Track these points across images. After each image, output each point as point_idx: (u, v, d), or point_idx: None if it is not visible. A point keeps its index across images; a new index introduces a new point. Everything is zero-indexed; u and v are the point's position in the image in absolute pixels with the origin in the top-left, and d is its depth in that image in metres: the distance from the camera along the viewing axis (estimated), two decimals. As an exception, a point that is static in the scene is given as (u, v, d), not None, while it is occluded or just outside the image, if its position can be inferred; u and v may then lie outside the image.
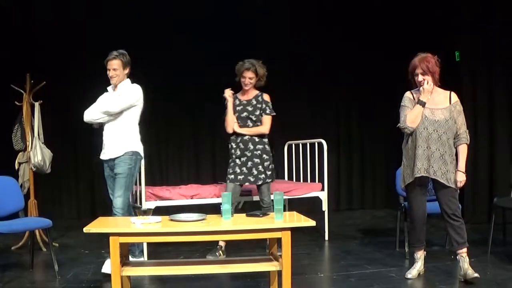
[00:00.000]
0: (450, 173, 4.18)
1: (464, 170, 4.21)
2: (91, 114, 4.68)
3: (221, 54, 7.46)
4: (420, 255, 4.38)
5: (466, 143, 4.26)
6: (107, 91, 4.80)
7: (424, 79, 4.17)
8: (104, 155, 4.74)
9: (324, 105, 8.31)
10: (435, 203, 4.35)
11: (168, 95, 7.82)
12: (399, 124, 4.32)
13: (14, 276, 4.54)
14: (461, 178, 4.20)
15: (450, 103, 4.23)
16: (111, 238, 3.38)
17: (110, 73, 4.65)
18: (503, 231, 5.47)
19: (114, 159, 4.64)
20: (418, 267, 4.36)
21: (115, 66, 4.63)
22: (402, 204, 5.14)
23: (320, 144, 6.13)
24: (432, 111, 4.19)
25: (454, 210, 4.20)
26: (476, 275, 4.06)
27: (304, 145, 6.49)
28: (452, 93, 4.29)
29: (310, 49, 8.00)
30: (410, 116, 4.22)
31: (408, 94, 4.34)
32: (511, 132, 6.71)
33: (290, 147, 6.82)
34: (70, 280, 4.46)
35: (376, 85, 8.22)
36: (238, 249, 5.31)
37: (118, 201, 4.55)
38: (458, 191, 4.26)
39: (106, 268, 4.40)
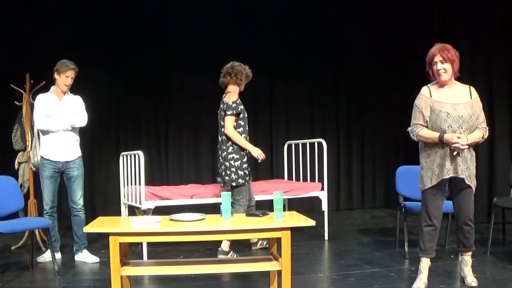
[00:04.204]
0: (471, 171, 3.90)
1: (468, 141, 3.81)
2: (52, 125, 4.97)
3: (220, 53, 7.46)
4: (425, 264, 4.03)
5: (483, 133, 3.92)
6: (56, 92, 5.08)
7: (443, 68, 3.85)
8: (57, 157, 5.04)
9: (324, 105, 8.32)
10: None
11: (168, 95, 7.83)
12: (409, 128, 3.99)
13: (14, 276, 4.54)
14: (463, 140, 3.76)
15: (471, 97, 3.93)
16: (110, 237, 3.38)
17: (69, 82, 5.02)
18: (502, 231, 5.47)
19: (69, 162, 5.07)
20: (424, 278, 4.01)
21: (73, 76, 5.05)
22: (402, 204, 5.14)
23: (320, 144, 6.12)
24: (454, 106, 3.85)
25: (469, 215, 3.96)
26: (474, 284, 3.97)
27: (304, 145, 6.49)
28: (472, 87, 3.99)
29: (310, 49, 8.00)
30: (424, 135, 3.90)
31: (424, 91, 3.97)
32: (511, 132, 6.70)
33: (290, 147, 6.82)
34: (70, 280, 4.46)
35: (376, 85, 8.22)
36: (238, 249, 5.31)
37: (81, 200, 5.15)
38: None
39: (41, 258, 5.10)
